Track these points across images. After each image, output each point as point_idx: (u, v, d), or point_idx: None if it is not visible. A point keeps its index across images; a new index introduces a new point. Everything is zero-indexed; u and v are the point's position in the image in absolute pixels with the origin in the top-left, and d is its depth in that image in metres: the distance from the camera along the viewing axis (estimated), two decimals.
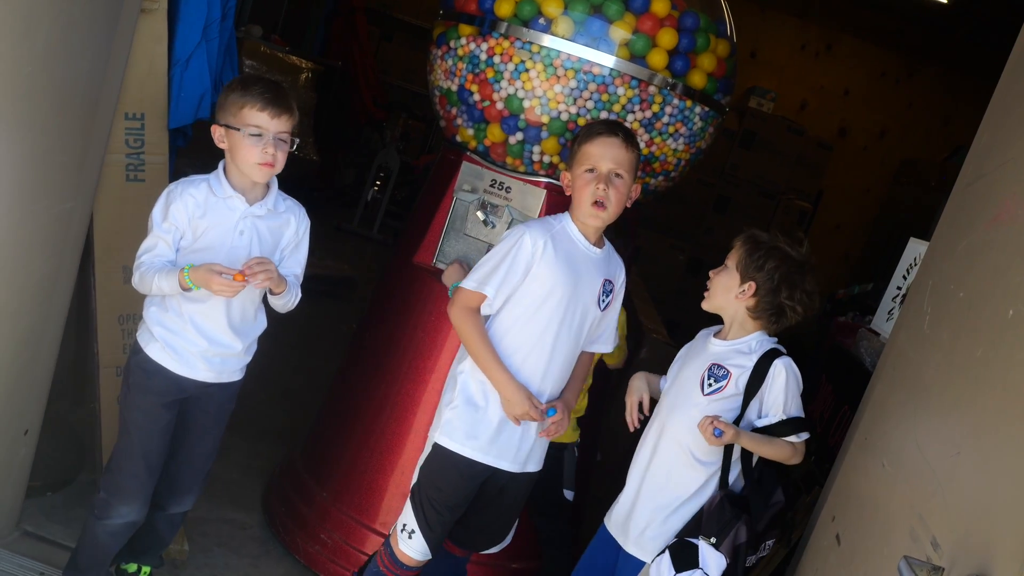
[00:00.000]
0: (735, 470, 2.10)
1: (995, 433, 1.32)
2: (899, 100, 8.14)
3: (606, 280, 2.24)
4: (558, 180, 2.29)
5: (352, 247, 7.44)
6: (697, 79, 2.54)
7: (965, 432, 1.41)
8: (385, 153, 7.86)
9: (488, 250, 2.62)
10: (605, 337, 2.31)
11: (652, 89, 2.49)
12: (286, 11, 7.71)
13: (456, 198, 2.69)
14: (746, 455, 2.10)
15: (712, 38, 2.55)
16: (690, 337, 2.33)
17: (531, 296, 2.15)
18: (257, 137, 2.04)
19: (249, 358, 2.25)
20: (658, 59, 2.47)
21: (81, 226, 2.43)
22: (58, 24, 2.01)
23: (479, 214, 2.64)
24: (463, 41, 2.58)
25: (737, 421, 2.07)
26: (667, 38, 2.46)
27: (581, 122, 2.47)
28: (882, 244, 7.05)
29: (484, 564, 2.68)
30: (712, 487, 2.09)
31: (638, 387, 2.25)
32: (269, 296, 2.16)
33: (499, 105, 2.54)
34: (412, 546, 2.20)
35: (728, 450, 2.09)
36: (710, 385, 2.11)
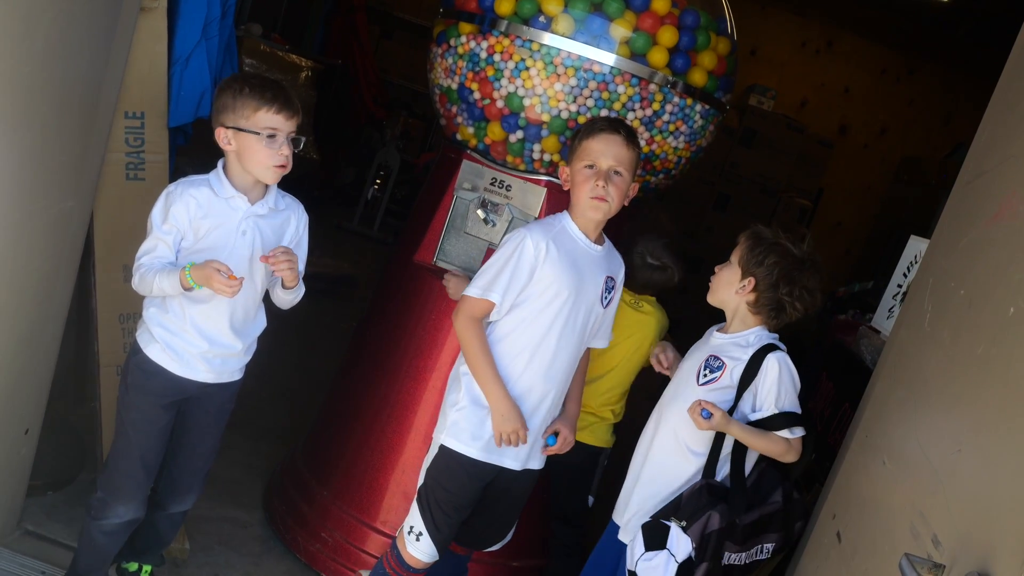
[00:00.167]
0: (724, 469, 2.10)
1: (996, 430, 1.32)
2: (900, 97, 8.14)
3: (608, 277, 2.24)
4: (558, 177, 2.28)
5: (352, 246, 7.44)
6: (698, 77, 2.54)
7: (966, 429, 1.41)
8: (385, 152, 7.85)
9: (488, 249, 2.63)
10: (603, 332, 2.32)
11: (652, 87, 2.49)
12: (286, 9, 7.71)
13: (456, 197, 2.69)
14: (738, 455, 2.10)
15: (712, 36, 2.55)
16: (691, 335, 2.34)
17: (536, 299, 2.14)
18: (272, 139, 2.04)
19: (249, 357, 2.24)
20: (658, 57, 2.47)
21: (81, 225, 2.42)
22: (57, 23, 2.01)
23: (479, 212, 2.64)
24: (463, 39, 2.57)
25: (730, 413, 2.08)
26: (667, 36, 2.46)
27: (581, 120, 2.47)
28: (882, 242, 7.04)
29: (485, 562, 2.68)
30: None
31: (664, 344, 2.38)
32: (278, 291, 2.16)
33: (499, 103, 2.54)
34: (420, 548, 2.20)
35: (718, 442, 2.10)
36: (705, 375, 2.14)
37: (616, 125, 2.18)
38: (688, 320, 2.88)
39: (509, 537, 2.39)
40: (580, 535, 2.72)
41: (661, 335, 2.63)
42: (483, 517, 2.29)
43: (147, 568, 2.44)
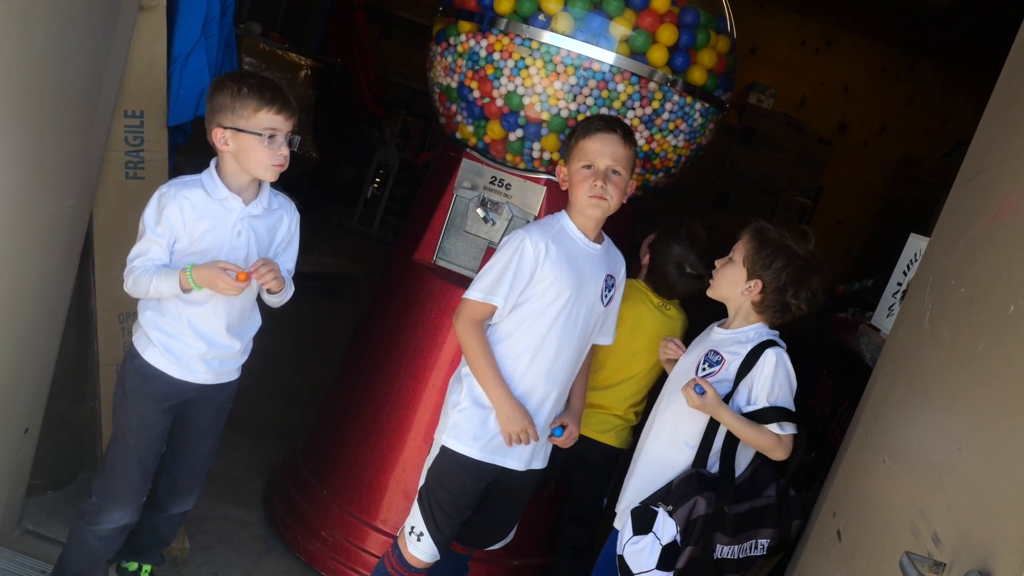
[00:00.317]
0: (714, 466, 2.11)
1: (996, 428, 1.32)
2: (899, 96, 8.13)
3: (608, 275, 2.24)
4: (557, 176, 2.28)
5: (352, 244, 7.44)
6: (697, 75, 2.54)
7: (966, 427, 1.41)
8: (385, 150, 7.85)
9: (488, 248, 2.63)
10: (606, 330, 2.32)
11: (652, 85, 2.49)
12: (285, 8, 7.69)
13: (456, 195, 2.69)
14: (728, 445, 2.11)
15: (712, 34, 2.55)
16: (691, 333, 2.35)
17: (537, 299, 2.14)
18: (272, 139, 2.02)
19: (246, 357, 2.23)
20: (658, 55, 2.46)
21: (80, 224, 2.42)
22: (56, 22, 2.00)
23: (479, 211, 2.64)
24: (463, 38, 2.57)
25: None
26: (667, 34, 2.46)
27: (581, 119, 2.46)
28: (882, 240, 7.04)
29: (485, 561, 2.68)
30: None
31: (668, 338, 2.38)
32: (266, 294, 2.15)
33: (499, 102, 2.53)
34: (421, 548, 2.20)
35: (711, 433, 2.11)
36: (703, 369, 2.15)
37: (612, 124, 2.17)
38: (688, 318, 2.87)
39: (511, 536, 2.39)
40: (591, 537, 2.72)
41: (683, 336, 2.63)
42: (485, 516, 2.29)
43: (147, 567, 2.44)
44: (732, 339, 2.17)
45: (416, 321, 2.72)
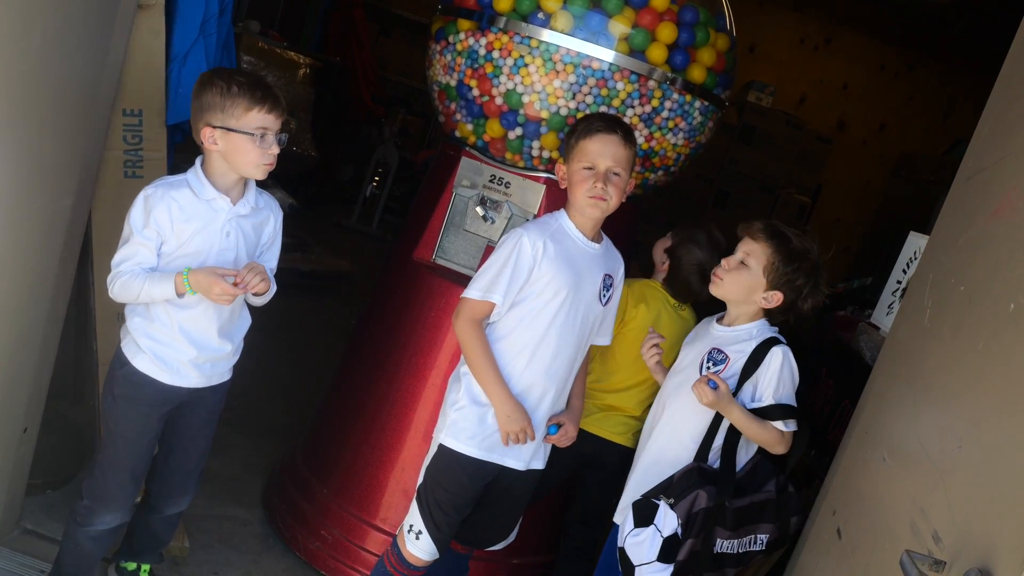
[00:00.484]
0: (715, 462, 2.12)
1: (996, 426, 1.32)
2: (898, 94, 8.13)
3: (606, 275, 2.24)
4: (556, 175, 2.28)
5: (351, 243, 7.43)
6: (697, 73, 2.54)
7: (966, 425, 1.41)
8: (384, 149, 7.84)
9: (487, 247, 2.63)
10: (604, 330, 2.32)
11: (651, 84, 2.48)
12: (284, 6, 7.69)
13: (455, 194, 2.69)
14: (729, 440, 2.12)
15: (712, 32, 2.55)
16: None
17: (535, 298, 2.14)
18: (263, 139, 2.00)
19: (237, 357, 2.21)
20: (657, 54, 2.46)
21: (79, 223, 2.42)
22: (55, 21, 2.00)
23: (478, 210, 2.63)
24: (462, 36, 2.57)
25: None
26: (666, 32, 2.45)
27: (580, 117, 2.46)
28: (881, 238, 7.04)
29: (485, 560, 2.68)
30: None
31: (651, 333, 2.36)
32: (251, 296, 2.11)
33: (498, 100, 2.53)
34: (420, 547, 2.20)
35: (713, 429, 2.12)
36: (708, 368, 2.16)
37: (613, 124, 2.16)
38: None
39: (512, 537, 2.39)
40: (596, 538, 2.72)
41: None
42: (484, 516, 2.29)
43: (146, 567, 2.44)
44: (735, 337, 2.18)
45: (416, 320, 2.71)
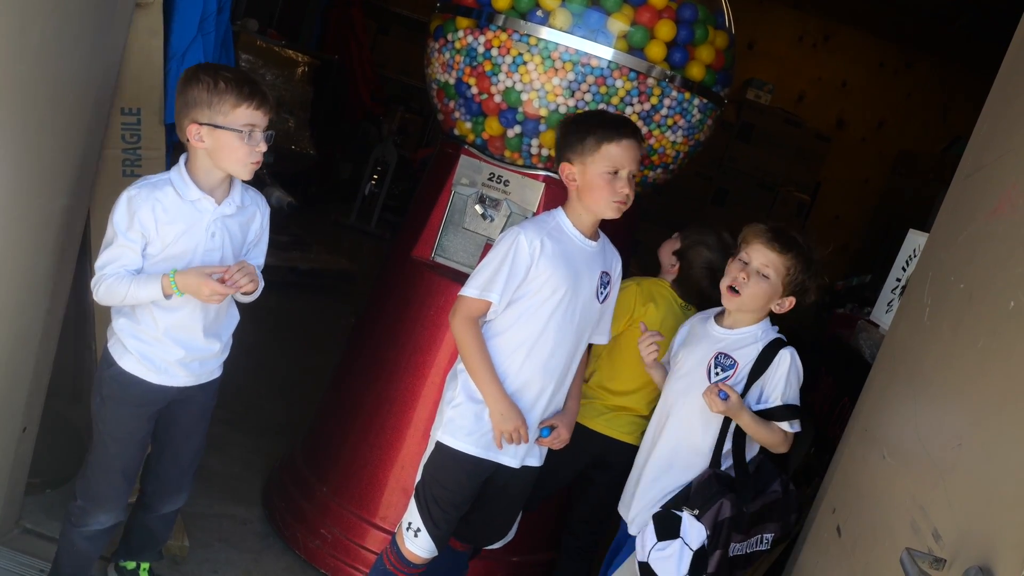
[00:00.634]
0: (726, 461, 2.12)
1: (996, 424, 1.32)
2: (897, 91, 8.13)
3: (603, 272, 2.24)
4: (556, 173, 2.27)
5: (350, 241, 7.43)
6: (695, 71, 2.53)
7: (966, 423, 1.41)
8: (382, 147, 7.83)
9: (486, 244, 2.63)
10: (602, 328, 2.31)
11: (650, 81, 2.48)
12: (282, 4, 7.68)
13: (454, 192, 2.69)
14: (738, 445, 2.12)
15: (710, 30, 2.55)
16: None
17: (532, 296, 2.13)
18: (251, 136, 1.97)
19: (226, 354, 2.20)
20: (656, 51, 2.46)
21: (77, 222, 2.42)
22: (53, 19, 1.99)
23: (477, 208, 2.63)
24: (460, 34, 2.57)
25: None
26: (665, 30, 2.45)
27: (579, 112, 2.45)
28: (880, 235, 7.05)
29: (485, 558, 2.68)
30: None
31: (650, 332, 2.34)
32: (240, 294, 2.09)
33: (497, 98, 2.53)
34: (418, 544, 2.20)
35: (722, 433, 2.12)
36: (717, 374, 2.15)
37: (635, 129, 2.16)
38: None
39: (512, 535, 2.39)
40: (598, 537, 2.71)
41: None
42: (483, 514, 2.29)
43: (145, 565, 2.43)
44: (740, 340, 2.18)
45: (415, 318, 2.71)
